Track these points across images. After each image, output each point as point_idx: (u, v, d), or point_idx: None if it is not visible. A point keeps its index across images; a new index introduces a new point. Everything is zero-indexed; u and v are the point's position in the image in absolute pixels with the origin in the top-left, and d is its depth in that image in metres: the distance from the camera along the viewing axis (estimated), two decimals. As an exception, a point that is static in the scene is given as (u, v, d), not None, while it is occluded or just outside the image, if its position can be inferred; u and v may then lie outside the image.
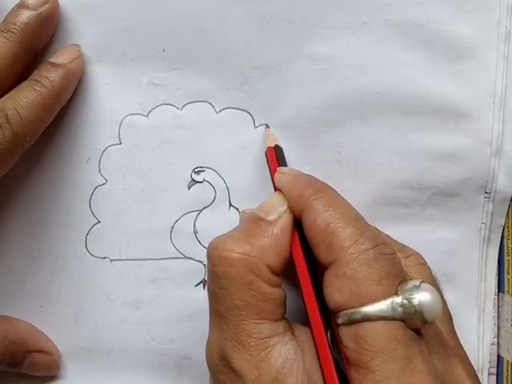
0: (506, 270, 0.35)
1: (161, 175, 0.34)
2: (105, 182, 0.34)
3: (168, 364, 0.35)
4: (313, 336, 0.26)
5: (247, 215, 0.29)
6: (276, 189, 0.30)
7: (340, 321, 0.25)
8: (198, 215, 0.34)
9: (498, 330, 0.35)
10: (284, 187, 0.29)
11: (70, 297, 0.35)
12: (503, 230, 0.35)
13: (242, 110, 0.34)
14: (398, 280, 0.25)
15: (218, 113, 0.34)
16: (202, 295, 0.35)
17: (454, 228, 0.34)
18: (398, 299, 0.24)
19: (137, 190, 0.34)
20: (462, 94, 0.33)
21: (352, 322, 0.25)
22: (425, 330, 0.25)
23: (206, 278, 0.34)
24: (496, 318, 0.35)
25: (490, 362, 0.35)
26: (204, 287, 0.35)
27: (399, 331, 0.24)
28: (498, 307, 0.35)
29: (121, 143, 0.34)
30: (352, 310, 0.25)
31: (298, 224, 0.28)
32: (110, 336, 0.35)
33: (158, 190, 0.34)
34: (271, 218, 0.28)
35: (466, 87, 0.33)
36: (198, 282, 0.35)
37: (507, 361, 0.35)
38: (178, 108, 0.34)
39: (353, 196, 0.34)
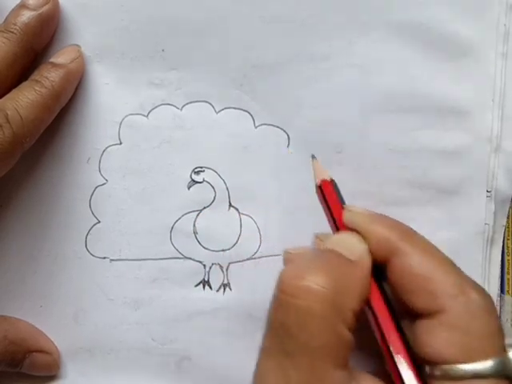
0: (506, 270, 0.35)
1: (161, 175, 0.34)
2: (105, 182, 0.34)
3: (168, 364, 0.35)
4: None
5: (325, 249, 0.27)
6: (341, 227, 0.28)
7: (439, 373, 0.24)
8: (197, 215, 0.34)
9: (499, 330, 0.35)
10: (359, 227, 0.27)
11: (69, 297, 0.35)
12: (504, 230, 0.35)
13: (242, 109, 0.34)
14: (502, 335, 0.24)
15: (217, 113, 0.34)
16: (201, 295, 0.35)
17: (456, 229, 0.34)
18: (510, 356, 0.24)
19: (137, 190, 0.34)
20: (461, 93, 0.33)
21: (456, 376, 0.23)
22: None
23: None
24: (497, 319, 0.35)
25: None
26: (204, 287, 0.35)
27: None
28: (499, 307, 0.35)
29: (121, 143, 0.34)
30: (459, 365, 0.23)
31: (375, 267, 0.26)
32: (110, 336, 0.35)
33: (158, 190, 0.34)
34: (353, 257, 0.26)
35: (466, 86, 0.33)
36: (198, 282, 0.35)
37: (508, 361, 0.34)
38: (177, 108, 0.34)
39: (353, 196, 0.34)
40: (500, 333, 0.24)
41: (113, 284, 0.34)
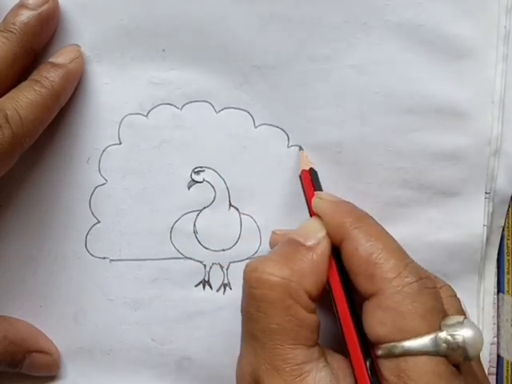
0: (505, 269, 0.35)
1: (161, 175, 0.34)
2: (105, 182, 0.34)
3: (168, 364, 0.35)
4: (351, 364, 0.26)
5: (285, 239, 0.29)
6: (312, 213, 0.30)
7: (380, 353, 0.25)
8: (197, 215, 0.34)
9: (498, 329, 0.35)
10: (322, 213, 0.29)
11: (69, 297, 0.35)
12: (503, 230, 0.35)
13: (242, 109, 0.34)
14: (440, 315, 0.25)
15: (217, 113, 0.34)
16: (202, 295, 0.35)
17: (454, 230, 0.34)
18: (442, 335, 0.24)
19: (137, 189, 0.34)
20: (461, 94, 0.33)
21: (393, 355, 0.25)
22: (462, 366, 0.25)
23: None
24: (496, 318, 0.35)
25: (489, 361, 0.35)
26: (204, 287, 0.35)
27: (442, 367, 0.24)
28: (498, 307, 0.35)
29: (120, 143, 0.34)
30: (394, 344, 0.25)
31: (335, 251, 0.28)
32: (110, 336, 0.35)
33: (158, 190, 0.34)
34: (310, 243, 0.28)
35: (466, 87, 0.33)
36: (198, 282, 0.35)
37: (507, 361, 0.35)
38: (177, 108, 0.34)
39: (353, 196, 0.34)
40: (434, 312, 0.25)
41: (113, 284, 0.34)
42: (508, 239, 0.35)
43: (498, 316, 0.35)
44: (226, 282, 0.35)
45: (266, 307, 0.26)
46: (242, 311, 0.28)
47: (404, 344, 0.24)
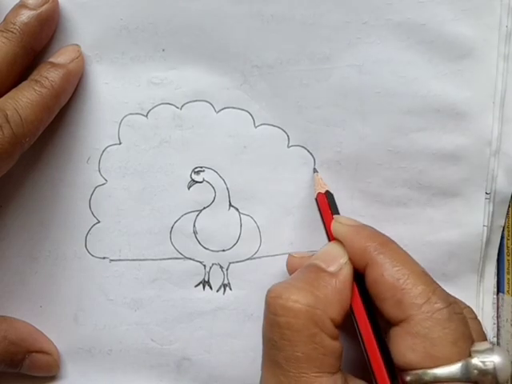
0: (505, 269, 0.35)
1: (161, 175, 0.34)
2: (105, 182, 0.34)
3: (168, 365, 0.35)
4: None
5: (306, 264, 0.29)
6: (331, 237, 0.30)
7: (409, 379, 0.25)
8: (197, 215, 0.34)
9: (498, 330, 0.35)
10: (343, 238, 0.29)
11: (69, 297, 0.35)
12: (503, 230, 0.35)
13: (242, 109, 0.34)
14: (470, 341, 0.25)
15: (217, 112, 0.34)
16: (201, 295, 0.35)
17: (454, 230, 0.34)
18: (474, 361, 0.25)
19: (137, 189, 0.34)
20: (462, 94, 0.33)
21: (423, 381, 0.25)
22: None
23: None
24: (496, 318, 0.35)
25: (489, 362, 0.35)
26: (204, 287, 0.35)
27: None
28: (498, 307, 0.35)
29: (120, 143, 0.34)
30: (424, 371, 0.25)
31: (357, 276, 0.28)
32: (110, 336, 0.35)
33: (158, 190, 0.34)
34: (332, 269, 0.28)
35: (466, 87, 0.33)
36: (198, 282, 0.35)
37: (507, 361, 0.35)
38: (177, 107, 0.34)
39: (353, 196, 0.34)
40: (464, 339, 0.25)
41: (112, 284, 0.34)
42: (508, 239, 0.35)
43: (498, 316, 0.35)
44: (225, 282, 0.35)
45: (290, 335, 0.26)
46: (263, 337, 0.27)
47: (435, 371, 0.25)
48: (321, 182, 0.33)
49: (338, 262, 0.28)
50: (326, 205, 0.31)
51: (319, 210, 0.32)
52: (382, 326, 0.27)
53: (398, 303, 0.26)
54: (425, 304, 0.26)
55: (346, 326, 0.28)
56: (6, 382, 0.34)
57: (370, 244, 0.28)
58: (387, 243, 0.28)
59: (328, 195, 0.32)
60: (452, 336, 0.25)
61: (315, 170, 0.34)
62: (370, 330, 0.27)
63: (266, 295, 0.27)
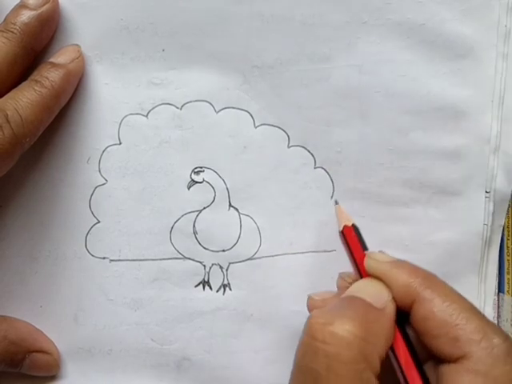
0: (505, 270, 0.35)
1: (160, 175, 0.34)
2: (105, 182, 0.34)
3: (168, 365, 0.35)
4: None
5: (348, 297, 0.27)
6: (363, 274, 0.29)
7: None
8: (197, 215, 0.34)
9: (499, 330, 0.35)
10: (383, 275, 0.28)
11: (69, 297, 0.35)
12: (503, 230, 0.35)
13: (242, 109, 0.34)
14: None
15: (217, 112, 0.34)
16: (201, 296, 0.35)
17: (455, 229, 0.34)
18: None
19: (137, 189, 0.34)
20: (461, 93, 0.33)
21: None
22: None
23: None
24: (496, 319, 0.35)
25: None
26: (204, 288, 0.35)
27: None
28: (498, 307, 0.35)
29: (120, 143, 0.34)
30: None
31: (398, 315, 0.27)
32: (110, 336, 0.35)
33: (158, 190, 0.34)
34: (379, 305, 0.27)
35: (466, 86, 0.33)
36: (198, 282, 0.35)
37: (508, 361, 0.34)
38: (177, 108, 0.34)
39: (353, 196, 0.34)
40: None
41: (112, 284, 0.34)
42: (508, 239, 0.35)
43: (499, 316, 0.35)
44: (225, 282, 0.35)
45: (338, 368, 0.24)
46: (298, 366, 0.26)
47: None
48: (345, 215, 0.32)
49: (383, 299, 0.27)
50: (356, 239, 0.30)
51: (346, 243, 0.31)
52: (424, 362, 0.27)
53: (453, 340, 0.25)
54: (483, 340, 0.25)
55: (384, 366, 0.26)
56: (6, 382, 0.34)
57: (413, 280, 0.27)
58: (430, 277, 0.27)
59: (355, 229, 0.31)
60: None
61: (336, 202, 0.33)
62: (414, 370, 0.26)
63: (308, 320, 0.26)
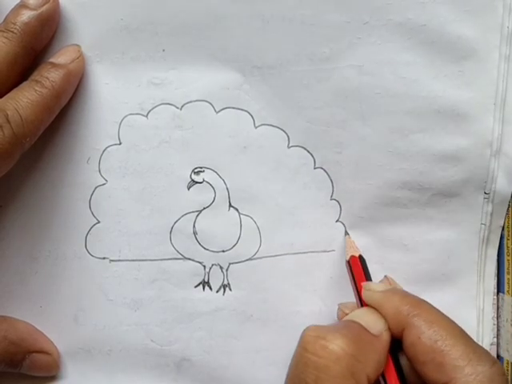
0: (505, 270, 0.35)
1: (160, 175, 0.34)
2: (105, 182, 0.34)
3: (167, 365, 0.35)
4: None
5: (348, 320, 0.28)
6: (363, 303, 0.30)
7: None
8: (197, 216, 0.34)
9: (498, 330, 0.35)
10: (376, 305, 0.29)
11: (69, 297, 0.35)
12: (503, 230, 0.35)
13: (242, 109, 0.34)
14: None
15: (217, 113, 0.34)
16: (201, 296, 0.35)
17: (453, 228, 0.35)
18: None
19: (137, 190, 0.34)
20: (463, 95, 0.33)
21: None
22: None
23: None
24: (496, 319, 0.35)
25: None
26: (204, 288, 0.35)
27: None
28: (498, 307, 0.35)
29: (120, 143, 0.34)
30: None
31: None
32: (110, 336, 0.35)
33: (158, 190, 0.34)
34: (375, 332, 0.27)
35: (467, 88, 0.33)
36: (198, 282, 0.35)
37: (507, 361, 0.35)
38: (177, 108, 0.34)
39: (353, 196, 0.34)
40: None
41: (112, 284, 0.34)
42: (508, 239, 0.35)
43: (498, 316, 0.35)
44: (225, 282, 0.35)
45: (326, 380, 0.25)
46: (291, 376, 0.26)
47: None
48: (354, 246, 0.33)
49: (379, 327, 0.28)
50: (360, 270, 0.32)
51: (351, 273, 0.32)
52: None
53: (438, 366, 0.25)
54: (467, 366, 0.25)
55: None
56: (6, 382, 0.35)
57: (402, 308, 0.27)
58: (419, 304, 0.28)
59: (361, 260, 0.32)
60: None
61: (346, 233, 0.34)
62: None
63: (304, 333, 0.26)
